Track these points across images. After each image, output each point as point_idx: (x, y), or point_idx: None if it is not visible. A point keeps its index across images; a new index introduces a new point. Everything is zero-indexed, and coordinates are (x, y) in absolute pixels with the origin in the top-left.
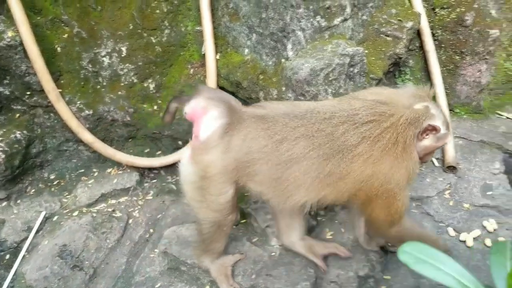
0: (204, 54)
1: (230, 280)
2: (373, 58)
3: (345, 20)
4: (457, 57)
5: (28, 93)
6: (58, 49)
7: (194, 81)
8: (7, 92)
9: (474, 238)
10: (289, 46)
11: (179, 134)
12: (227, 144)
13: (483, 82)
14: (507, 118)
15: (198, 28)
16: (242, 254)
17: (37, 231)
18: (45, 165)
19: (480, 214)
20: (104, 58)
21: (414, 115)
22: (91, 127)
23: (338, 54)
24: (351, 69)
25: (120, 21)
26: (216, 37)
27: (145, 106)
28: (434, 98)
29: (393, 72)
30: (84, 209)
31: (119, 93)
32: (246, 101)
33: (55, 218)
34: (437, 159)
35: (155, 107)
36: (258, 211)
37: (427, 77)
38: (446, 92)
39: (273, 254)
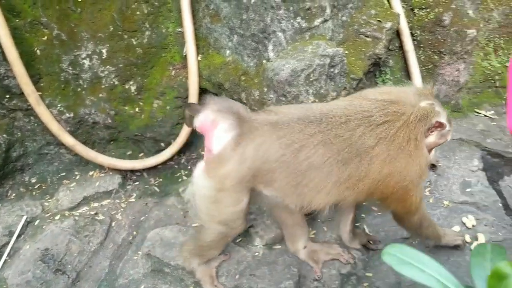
0: (185, 56)
1: (214, 281)
2: (353, 58)
3: (325, 21)
4: (436, 57)
5: (8, 96)
6: (38, 51)
7: (176, 83)
8: None
9: None
10: (270, 47)
11: (161, 136)
12: (242, 155)
13: (462, 81)
14: (485, 116)
15: (179, 29)
16: (226, 255)
17: (19, 236)
18: (26, 168)
19: (459, 210)
20: (84, 61)
21: (423, 112)
22: (72, 130)
23: (318, 55)
24: (332, 69)
25: (100, 23)
26: (197, 38)
27: (126, 108)
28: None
29: (373, 72)
30: (66, 213)
31: (100, 95)
32: None
33: (37, 222)
34: None
35: (137, 109)
36: None
37: (407, 76)
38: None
39: (256, 254)
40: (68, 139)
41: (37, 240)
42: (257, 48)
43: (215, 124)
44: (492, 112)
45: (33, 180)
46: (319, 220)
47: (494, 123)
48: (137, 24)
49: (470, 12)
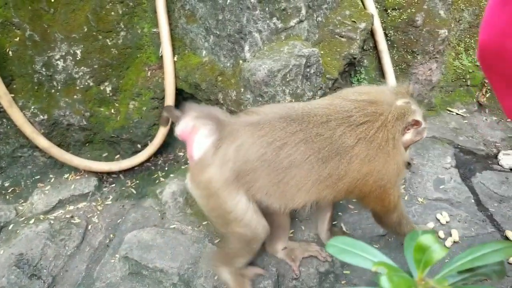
0: (161, 56)
1: None
2: (329, 58)
3: (301, 21)
4: (409, 57)
5: None
6: (10, 53)
7: (152, 83)
8: None
9: None
10: (247, 47)
11: (138, 137)
12: (223, 158)
13: (434, 80)
14: (457, 114)
15: (154, 30)
16: (263, 269)
17: None
18: None
19: (433, 207)
20: (58, 62)
21: (400, 111)
22: (47, 132)
23: (294, 55)
24: (308, 69)
25: (74, 24)
26: (173, 38)
27: (102, 109)
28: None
29: (349, 72)
30: (41, 216)
31: (75, 97)
32: (205, 103)
33: (11, 226)
34: None
35: (112, 111)
36: None
37: (381, 76)
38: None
39: None
40: (43, 142)
41: (11, 245)
42: (234, 48)
43: (195, 130)
44: (464, 110)
45: (6, 184)
46: (297, 219)
47: (466, 121)
48: (112, 24)
49: (442, 12)
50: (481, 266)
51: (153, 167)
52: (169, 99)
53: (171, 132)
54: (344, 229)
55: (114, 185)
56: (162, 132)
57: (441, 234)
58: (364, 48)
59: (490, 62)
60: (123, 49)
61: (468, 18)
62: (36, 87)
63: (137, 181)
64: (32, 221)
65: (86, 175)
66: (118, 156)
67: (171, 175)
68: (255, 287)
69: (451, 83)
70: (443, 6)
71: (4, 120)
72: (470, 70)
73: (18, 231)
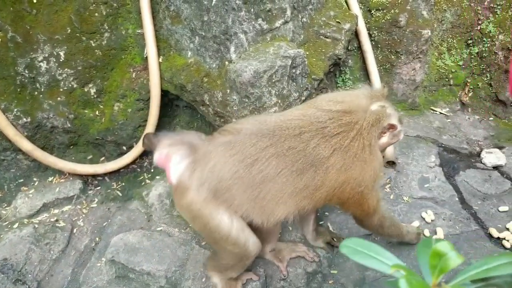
0: (146, 57)
1: None
2: (314, 59)
3: (286, 22)
4: (393, 57)
5: None
6: None
7: (137, 85)
8: None
9: None
10: (232, 48)
11: (123, 139)
12: (199, 180)
13: (418, 80)
14: (441, 113)
15: (139, 31)
16: (256, 275)
17: None
18: None
19: (418, 206)
20: (41, 63)
21: (375, 117)
22: (30, 135)
23: (280, 56)
24: (293, 70)
25: (57, 25)
26: (158, 39)
27: (86, 111)
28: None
29: (334, 72)
30: (25, 221)
31: (58, 99)
32: (191, 104)
33: None
34: None
35: (97, 113)
36: None
37: (366, 76)
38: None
39: None
40: (26, 145)
41: None
42: (219, 49)
43: (169, 158)
44: (447, 109)
45: None
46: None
47: (449, 120)
48: (95, 25)
49: (425, 13)
50: (494, 277)
51: (139, 169)
52: (155, 101)
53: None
54: (330, 228)
55: (99, 187)
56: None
57: (426, 232)
58: (349, 48)
59: None
60: (108, 50)
61: (450, 19)
62: (18, 90)
63: (123, 184)
64: (16, 225)
65: (71, 178)
66: (103, 158)
67: (157, 177)
68: None
69: (434, 83)
70: (426, 7)
71: None
72: (453, 70)
73: (1, 236)
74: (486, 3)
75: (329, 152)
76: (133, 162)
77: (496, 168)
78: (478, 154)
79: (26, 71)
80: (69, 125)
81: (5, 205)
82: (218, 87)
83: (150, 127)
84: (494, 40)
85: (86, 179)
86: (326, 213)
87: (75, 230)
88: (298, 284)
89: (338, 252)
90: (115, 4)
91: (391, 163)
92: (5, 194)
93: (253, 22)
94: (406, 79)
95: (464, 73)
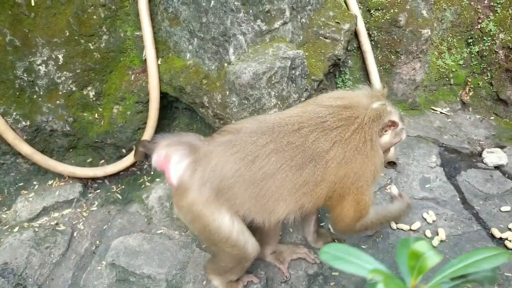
0: (145, 60)
1: None
2: (314, 60)
3: (285, 23)
4: (393, 57)
5: None
6: None
7: (136, 87)
8: None
9: (414, 230)
10: (231, 50)
11: (122, 142)
12: (200, 179)
13: (418, 80)
14: (441, 113)
15: (137, 33)
16: (257, 278)
17: None
18: None
19: (420, 206)
20: (40, 67)
21: (376, 113)
22: (29, 138)
23: (279, 57)
24: (293, 71)
25: (55, 28)
26: (156, 42)
27: (85, 114)
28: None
29: (333, 73)
30: (25, 224)
31: (57, 102)
32: (190, 106)
33: None
34: None
35: (96, 115)
36: None
37: (366, 76)
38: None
39: None
40: (26, 148)
41: None
42: (218, 51)
43: (168, 158)
44: (448, 109)
45: None
46: (284, 222)
47: (450, 120)
48: (94, 28)
49: (424, 12)
50: (473, 273)
51: (138, 172)
52: (154, 103)
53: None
54: (332, 230)
55: (99, 190)
56: (147, 136)
57: (428, 233)
58: (348, 48)
59: None
60: (106, 53)
61: (450, 18)
62: (17, 93)
63: (123, 186)
64: (16, 229)
65: (71, 181)
66: (102, 161)
67: (157, 180)
68: None
69: (435, 82)
70: (425, 6)
71: None
72: (453, 69)
73: (2, 240)
74: (486, 1)
75: (329, 145)
76: (133, 165)
77: (497, 167)
78: (480, 154)
79: (25, 75)
80: (68, 128)
81: (5, 209)
82: (217, 89)
83: (150, 129)
84: (494, 39)
85: (86, 182)
86: (327, 215)
87: (75, 234)
88: (300, 286)
89: None
90: (113, 7)
91: (392, 164)
92: (5, 198)
93: (252, 23)
94: (406, 79)
95: (465, 72)
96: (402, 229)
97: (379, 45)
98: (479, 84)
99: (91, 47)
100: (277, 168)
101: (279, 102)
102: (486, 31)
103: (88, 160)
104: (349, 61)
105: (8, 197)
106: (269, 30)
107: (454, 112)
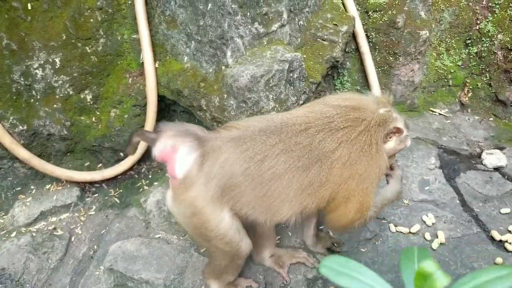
0: (142, 63)
1: None
2: (312, 62)
3: (283, 26)
4: (391, 58)
5: None
6: None
7: (134, 91)
8: None
9: (414, 233)
10: (229, 53)
11: (120, 146)
12: (207, 175)
13: (416, 81)
14: (440, 114)
15: (134, 36)
16: (256, 282)
17: None
18: None
19: (419, 209)
20: (36, 71)
21: (382, 118)
22: (26, 142)
23: (277, 60)
24: (291, 74)
25: (52, 32)
26: (154, 45)
27: (82, 118)
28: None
29: (332, 75)
30: (23, 229)
31: (55, 106)
32: (188, 109)
33: None
34: None
35: (93, 119)
36: None
37: (364, 78)
38: (382, 92)
39: None
40: (23, 153)
41: None
42: (216, 54)
43: (175, 149)
44: (446, 110)
45: None
46: (283, 225)
47: (449, 121)
48: (91, 31)
49: (422, 13)
50: None
51: (136, 176)
52: (151, 106)
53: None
54: (331, 233)
55: (97, 195)
56: None
57: (428, 236)
58: (347, 50)
59: None
60: (103, 56)
61: (448, 19)
62: (14, 97)
63: (121, 190)
64: (13, 234)
65: (68, 186)
66: (100, 165)
67: (155, 183)
68: None
69: (433, 84)
70: (423, 7)
71: None
72: (452, 70)
73: None
74: (484, 2)
75: (335, 145)
76: (131, 168)
77: (497, 169)
78: (479, 155)
79: (22, 79)
80: (65, 132)
81: (3, 213)
82: (215, 92)
83: None
84: (493, 39)
85: (84, 186)
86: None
87: (73, 238)
88: None
89: None
90: (110, 10)
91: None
92: (3, 203)
93: (249, 26)
94: (405, 80)
95: (463, 73)
96: (401, 232)
97: (377, 47)
98: (477, 85)
99: (88, 51)
100: (285, 169)
101: (277, 105)
102: (485, 32)
103: (86, 164)
104: (347, 63)
105: (5, 201)
106: (267, 32)
107: (453, 113)
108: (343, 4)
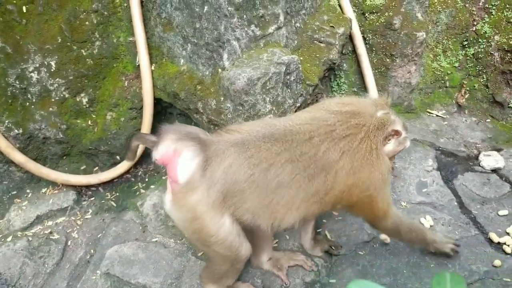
0: (138, 65)
1: None
2: (308, 64)
3: (279, 28)
4: (388, 60)
5: None
6: None
7: (130, 93)
8: None
9: None
10: (225, 56)
11: (116, 149)
12: (210, 180)
13: (413, 83)
14: (437, 116)
15: (130, 38)
16: (254, 287)
17: None
18: None
19: (417, 211)
20: (32, 74)
21: (380, 122)
22: (22, 146)
23: (274, 62)
24: (288, 77)
25: (47, 34)
26: (150, 47)
27: (78, 121)
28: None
29: (328, 77)
30: (19, 233)
31: (50, 109)
32: (185, 112)
33: None
34: None
35: (89, 122)
36: None
37: (361, 80)
38: (380, 94)
39: None
40: (18, 157)
41: None
42: (212, 57)
43: (178, 153)
44: (444, 111)
45: None
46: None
47: (446, 123)
48: (86, 34)
49: (419, 15)
50: None
51: (133, 179)
52: (148, 109)
53: None
54: (329, 236)
55: (93, 198)
56: None
57: None
58: (343, 52)
59: None
60: (99, 59)
61: (445, 20)
62: (10, 101)
63: (117, 194)
64: (9, 238)
65: (64, 189)
66: (96, 168)
67: (152, 187)
68: None
69: (430, 85)
70: (420, 9)
71: None
72: (449, 72)
73: None
74: (481, 3)
75: (338, 155)
76: (127, 171)
77: (494, 171)
78: (476, 157)
79: (17, 82)
80: (61, 136)
81: None
82: (211, 95)
83: None
84: (490, 41)
85: (80, 190)
86: (324, 221)
87: (69, 242)
88: None
89: (336, 261)
90: (105, 12)
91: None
92: None
93: (246, 29)
94: (402, 82)
95: (460, 74)
96: None
97: (374, 49)
98: (474, 86)
99: (84, 54)
100: (291, 178)
101: (274, 108)
102: (481, 33)
103: (82, 168)
104: (344, 65)
105: (1, 205)
106: (263, 35)
107: (450, 115)
108: (339, 6)
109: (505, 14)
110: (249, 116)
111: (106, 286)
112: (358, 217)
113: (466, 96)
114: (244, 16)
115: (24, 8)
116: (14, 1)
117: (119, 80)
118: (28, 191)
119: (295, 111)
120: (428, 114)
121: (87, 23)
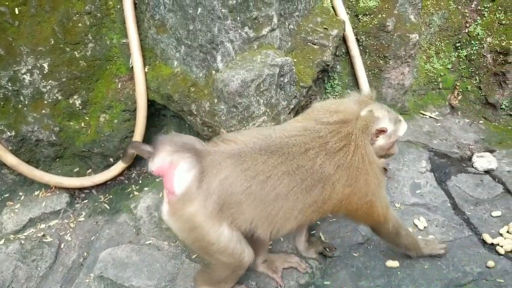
0: (131, 67)
1: None
2: (302, 66)
3: (273, 30)
4: (381, 61)
5: None
6: None
7: (123, 95)
8: None
9: None
10: (219, 57)
11: (110, 151)
12: (206, 191)
13: (407, 84)
14: (430, 117)
15: (124, 40)
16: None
17: None
18: None
19: (411, 212)
20: (24, 76)
21: (364, 124)
22: (15, 149)
23: (267, 64)
24: (281, 79)
25: (40, 36)
26: (143, 49)
27: (71, 123)
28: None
29: (322, 79)
30: (11, 236)
31: (43, 111)
32: (178, 114)
33: None
34: None
35: (83, 124)
36: None
37: (354, 81)
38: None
39: None
40: (11, 159)
41: None
42: (206, 59)
43: (174, 165)
44: (437, 113)
45: None
46: None
47: (439, 124)
48: (79, 36)
49: (412, 17)
50: None
51: (126, 181)
52: (141, 111)
53: (144, 142)
54: (323, 238)
55: (86, 201)
56: None
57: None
58: (337, 54)
59: None
60: (92, 61)
61: (438, 22)
62: (2, 103)
63: (111, 196)
64: (2, 241)
65: (57, 192)
66: (90, 170)
67: (146, 189)
68: None
69: (423, 87)
70: (413, 11)
71: None
72: (442, 73)
73: None
74: (473, 5)
75: (333, 169)
76: (121, 174)
77: (487, 172)
78: (469, 158)
79: (9, 84)
80: (54, 138)
81: None
82: (205, 97)
83: (137, 137)
84: (482, 42)
85: (73, 192)
86: (318, 222)
87: (62, 245)
88: None
89: (330, 262)
90: (99, 14)
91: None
92: None
93: (239, 31)
94: (395, 83)
95: (453, 76)
96: None
97: (367, 50)
98: (467, 88)
99: (77, 55)
100: (289, 190)
101: (268, 110)
102: (474, 35)
103: (75, 170)
104: (338, 67)
105: None
106: (257, 37)
107: (443, 116)
108: (333, 8)
109: (497, 16)
110: (243, 118)
111: None
112: (360, 224)
113: (459, 97)
114: (238, 18)
115: (16, 10)
116: (7, 3)
117: (112, 82)
118: (20, 193)
119: (289, 113)
120: (421, 115)
121: (80, 25)
